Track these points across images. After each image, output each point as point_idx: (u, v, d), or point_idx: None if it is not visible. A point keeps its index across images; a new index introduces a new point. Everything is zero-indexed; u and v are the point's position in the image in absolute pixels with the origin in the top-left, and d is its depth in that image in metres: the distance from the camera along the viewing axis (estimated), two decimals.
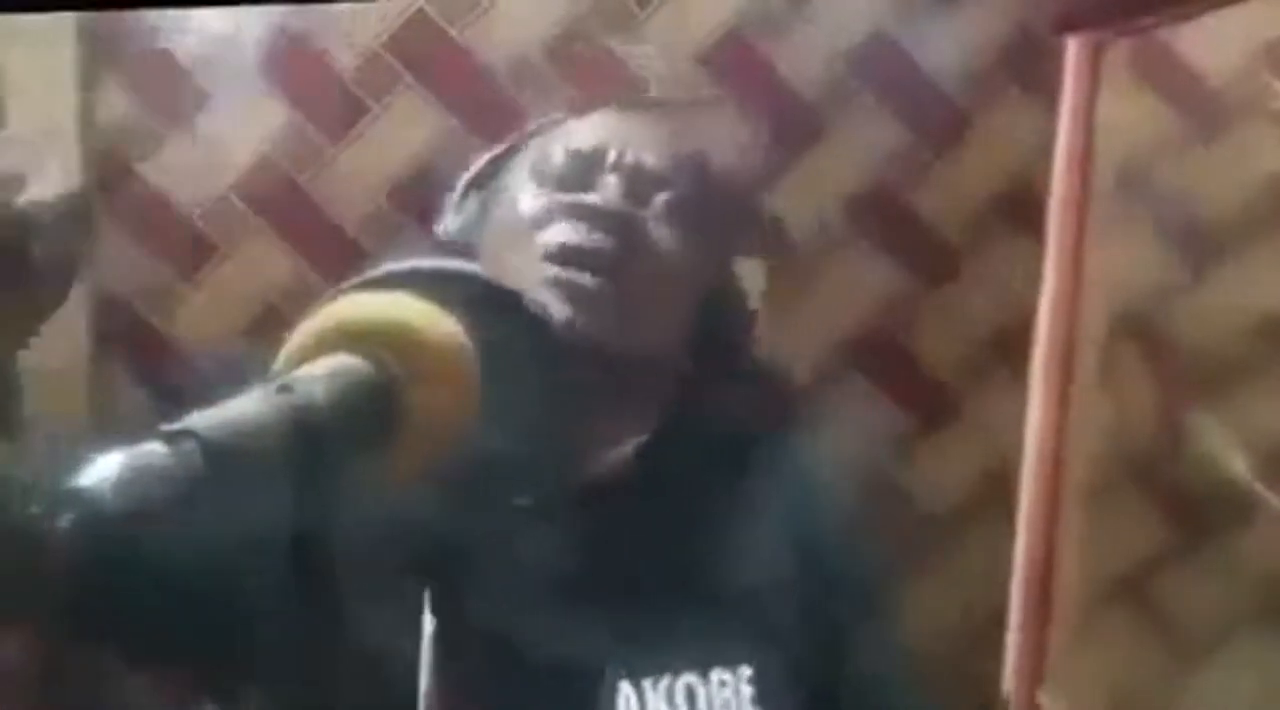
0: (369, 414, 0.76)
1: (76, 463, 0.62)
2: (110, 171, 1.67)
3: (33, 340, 0.93)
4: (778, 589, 1.16)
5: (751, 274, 1.24)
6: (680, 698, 1.09)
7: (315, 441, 0.71)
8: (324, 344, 0.78)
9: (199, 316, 1.70)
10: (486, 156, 1.26)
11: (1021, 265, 1.60)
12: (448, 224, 1.24)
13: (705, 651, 1.11)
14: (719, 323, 1.21)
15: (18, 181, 0.93)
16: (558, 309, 1.09)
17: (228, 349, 1.66)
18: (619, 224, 1.13)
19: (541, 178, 1.18)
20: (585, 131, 1.20)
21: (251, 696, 1.07)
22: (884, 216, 1.74)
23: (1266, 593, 1.72)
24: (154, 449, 0.63)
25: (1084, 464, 1.51)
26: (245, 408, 0.69)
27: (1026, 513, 1.49)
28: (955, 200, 1.74)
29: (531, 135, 1.25)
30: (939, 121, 1.72)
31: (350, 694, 0.98)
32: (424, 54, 1.69)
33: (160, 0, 1.67)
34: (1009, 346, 1.66)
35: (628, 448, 1.17)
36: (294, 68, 1.68)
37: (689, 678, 1.10)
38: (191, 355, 1.68)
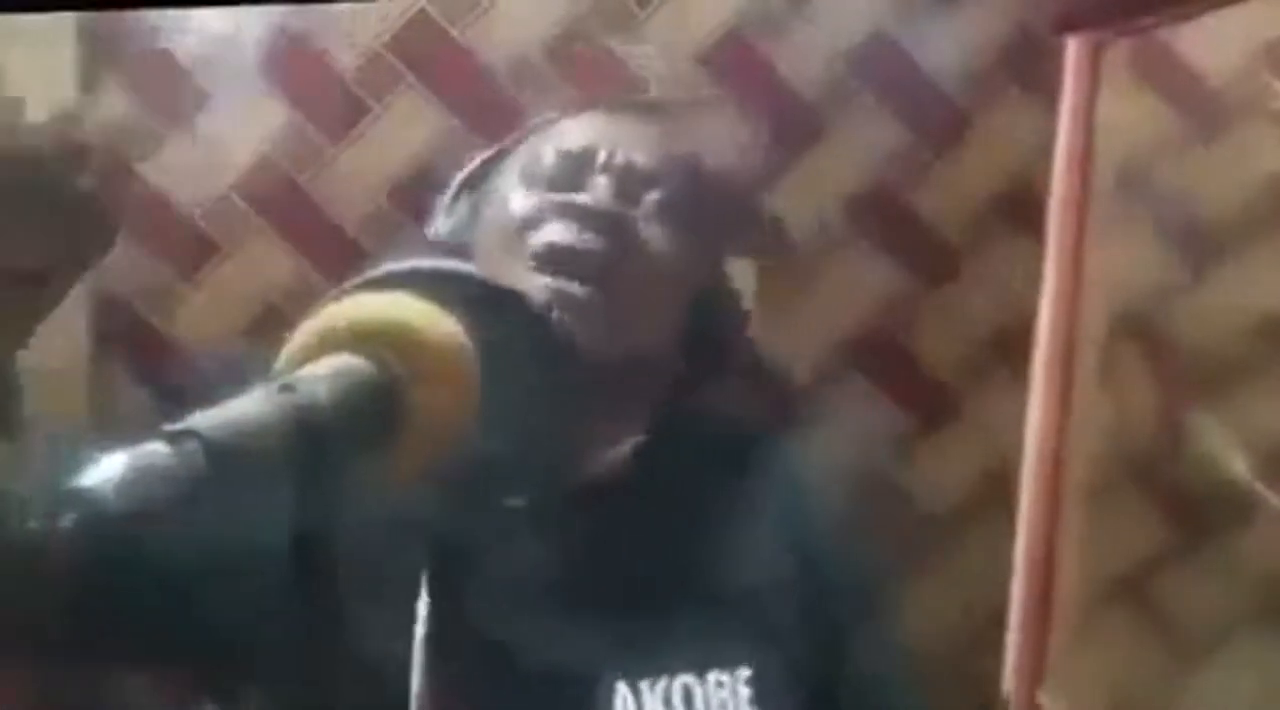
0: (371, 414, 0.76)
1: (78, 463, 0.62)
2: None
3: (32, 340, 0.93)
4: (776, 589, 1.16)
5: (743, 274, 1.24)
6: (677, 699, 1.09)
7: (317, 441, 0.71)
8: (326, 344, 0.78)
9: (199, 316, 1.70)
10: (478, 158, 1.26)
11: (1021, 265, 1.60)
12: (439, 226, 1.24)
13: (702, 653, 1.11)
14: (712, 323, 1.21)
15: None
16: (552, 308, 1.09)
17: (228, 349, 1.66)
18: (609, 223, 1.13)
19: (532, 179, 1.18)
20: (576, 132, 1.20)
21: (251, 696, 1.07)
22: (884, 216, 1.74)
23: (1266, 592, 1.72)
24: (156, 449, 0.63)
25: (1084, 464, 1.51)
26: (247, 408, 0.69)
27: (1027, 512, 1.49)
28: (955, 200, 1.74)
29: (523, 137, 1.25)
30: (939, 121, 1.72)
31: (349, 694, 0.98)
32: (425, 54, 1.69)
33: (160, 0, 1.67)
34: (1009, 346, 1.66)
35: (625, 448, 1.17)
36: (294, 67, 1.68)
37: (686, 679, 1.10)
38: (192, 355, 1.68)
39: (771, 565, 1.17)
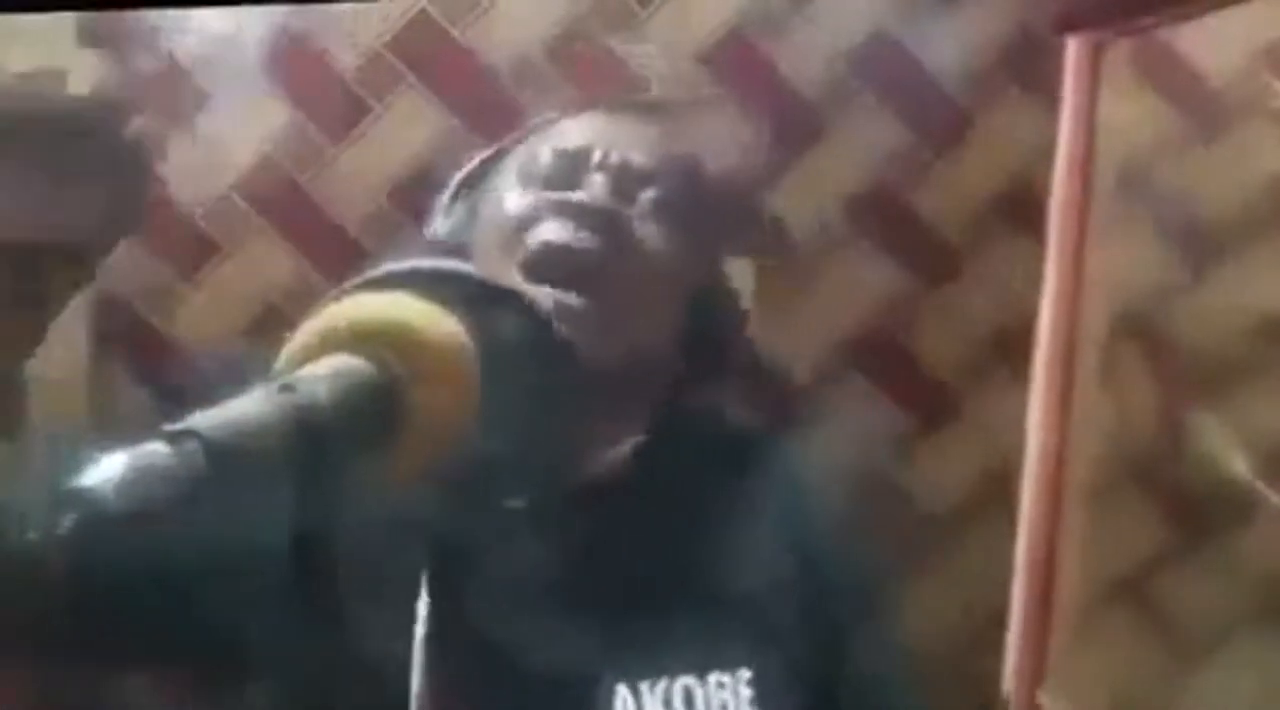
0: (371, 414, 0.76)
1: (78, 463, 0.62)
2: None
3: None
4: (776, 590, 1.16)
5: (742, 274, 1.24)
6: (678, 700, 1.09)
7: (318, 441, 0.71)
8: (326, 344, 0.78)
9: (200, 316, 1.70)
10: (476, 159, 1.26)
11: (1022, 265, 1.60)
12: (438, 226, 1.24)
13: (703, 654, 1.10)
14: (710, 322, 1.20)
15: None
16: (550, 307, 1.09)
17: (228, 349, 1.66)
18: (604, 221, 1.13)
19: (529, 178, 1.17)
20: (573, 131, 1.20)
21: (251, 696, 1.07)
22: (884, 216, 1.74)
23: (1267, 592, 1.72)
24: (156, 449, 0.63)
25: (1084, 464, 1.51)
26: (247, 408, 0.69)
27: (1027, 512, 1.49)
28: (956, 200, 1.74)
29: (521, 137, 1.25)
30: (940, 121, 1.72)
31: (349, 693, 0.98)
32: (426, 54, 1.69)
33: (160, 0, 1.68)
34: (1010, 346, 1.66)
35: (625, 448, 1.16)
36: (295, 67, 1.68)
37: (686, 680, 1.10)
38: (192, 355, 1.68)
39: (772, 565, 1.17)
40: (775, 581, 1.16)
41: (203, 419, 0.66)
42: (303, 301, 0.86)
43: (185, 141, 1.68)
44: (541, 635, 1.06)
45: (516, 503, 1.04)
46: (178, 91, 1.68)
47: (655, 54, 1.70)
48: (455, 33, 1.69)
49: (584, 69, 1.69)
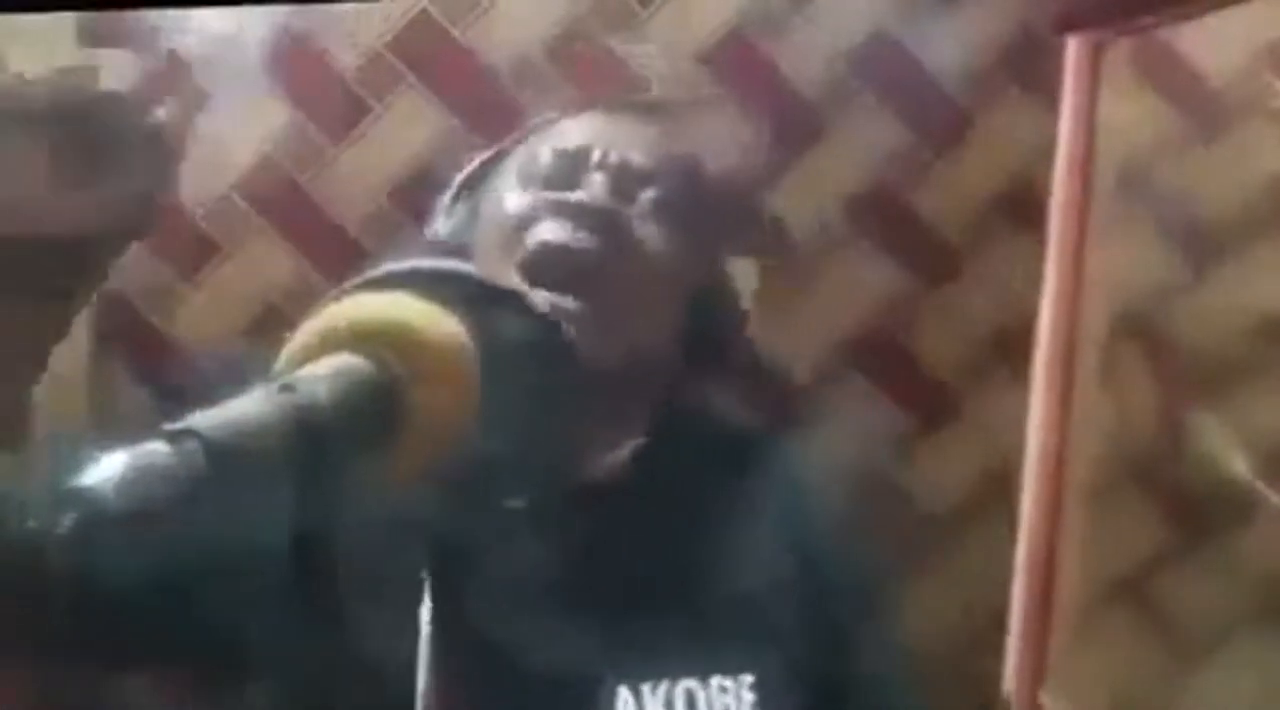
0: (371, 414, 0.76)
1: (78, 463, 0.62)
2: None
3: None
4: (777, 591, 1.16)
5: (744, 274, 1.24)
6: (680, 703, 1.09)
7: (318, 441, 0.70)
8: (326, 344, 0.78)
9: (200, 316, 1.70)
10: (477, 159, 1.25)
11: (1022, 265, 1.60)
12: (439, 226, 1.24)
13: (705, 656, 1.10)
14: (710, 322, 1.20)
15: None
16: (549, 307, 1.09)
17: (228, 349, 1.66)
18: (603, 221, 1.13)
19: (528, 178, 1.17)
20: (572, 131, 1.20)
21: (252, 696, 1.07)
22: (885, 216, 1.74)
23: (1267, 592, 1.72)
24: (156, 448, 0.63)
25: (1085, 464, 1.51)
26: (247, 407, 0.69)
27: (1027, 512, 1.49)
28: (956, 200, 1.74)
29: (522, 138, 1.25)
30: (940, 121, 1.72)
31: (349, 693, 0.98)
32: (426, 54, 1.69)
33: (160, 0, 1.68)
34: (1010, 346, 1.66)
35: (625, 450, 1.16)
36: (296, 67, 1.69)
37: (688, 683, 1.09)
38: (192, 355, 1.68)
39: (773, 567, 1.17)
40: (777, 583, 1.16)
41: (203, 419, 0.66)
42: (303, 301, 0.86)
43: (185, 141, 1.68)
44: (543, 637, 1.06)
45: (517, 503, 1.04)
46: (178, 91, 1.68)
47: (655, 54, 1.70)
48: (455, 33, 1.69)
49: (584, 69, 1.70)
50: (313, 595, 0.87)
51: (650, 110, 1.28)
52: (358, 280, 0.86)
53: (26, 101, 0.87)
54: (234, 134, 1.69)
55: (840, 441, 1.69)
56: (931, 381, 1.76)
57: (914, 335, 1.75)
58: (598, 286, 1.10)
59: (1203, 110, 1.73)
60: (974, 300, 1.74)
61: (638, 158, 1.17)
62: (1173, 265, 1.74)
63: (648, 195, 1.16)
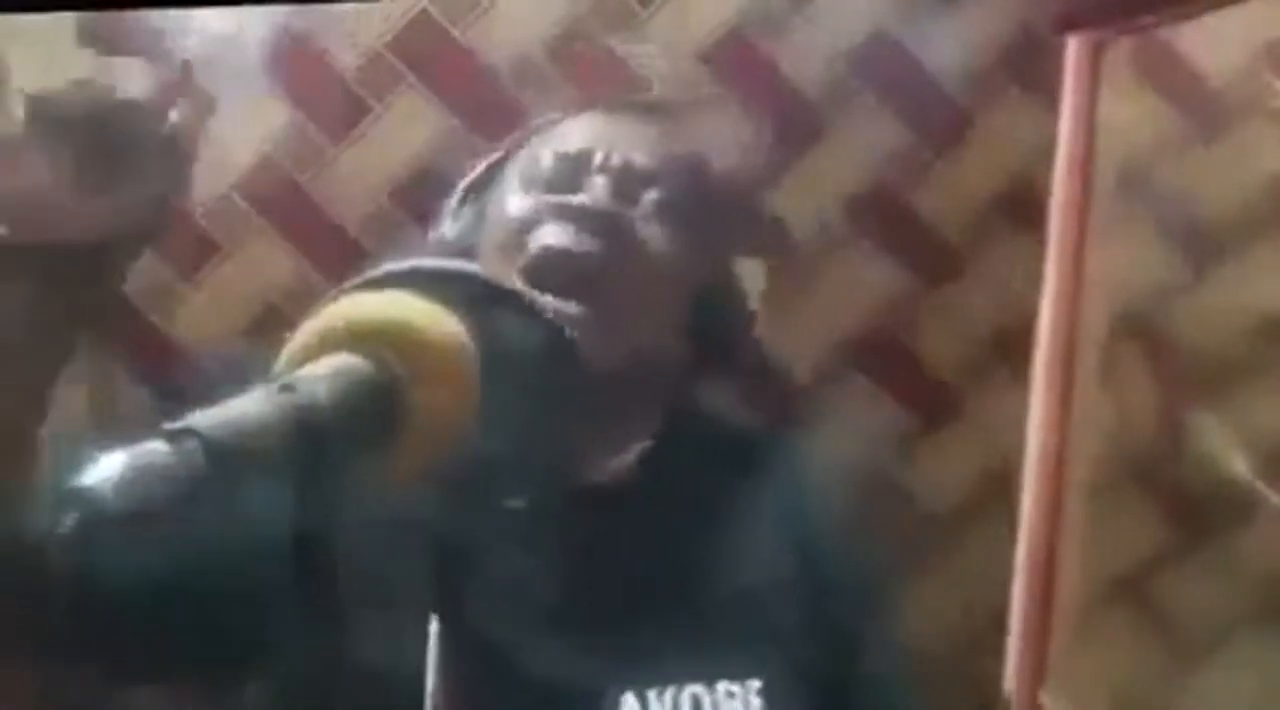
0: (371, 414, 0.76)
1: (78, 462, 0.62)
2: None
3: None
4: (784, 594, 1.15)
5: (751, 274, 1.24)
6: (686, 708, 1.09)
7: (318, 441, 0.70)
8: (326, 343, 0.78)
9: (200, 316, 1.70)
10: (483, 163, 1.25)
11: (1022, 265, 1.60)
12: (446, 230, 1.24)
13: (711, 662, 1.10)
14: (716, 323, 1.20)
15: None
16: (551, 310, 1.09)
17: (228, 349, 1.66)
18: (605, 224, 1.12)
19: (531, 181, 1.17)
20: (574, 134, 1.20)
21: (251, 696, 1.07)
22: (885, 216, 1.74)
23: (1267, 592, 1.72)
24: (156, 448, 0.63)
25: (1085, 463, 1.51)
26: (247, 407, 0.69)
27: (1027, 512, 1.49)
28: (956, 200, 1.74)
29: (525, 140, 1.25)
30: (940, 121, 1.72)
31: (349, 693, 0.98)
32: (426, 54, 1.69)
33: (161, 0, 1.68)
34: (1010, 346, 1.66)
35: (631, 454, 1.16)
36: (296, 67, 1.68)
37: (694, 688, 1.09)
38: (192, 355, 1.68)
39: (779, 569, 1.17)
40: (783, 585, 1.16)
41: (202, 418, 0.66)
42: (303, 301, 0.86)
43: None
44: (549, 642, 1.06)
45: (523, 506, 1.04)
46: (188, 95, 1.68)
47: (656, 54, 1.70)
48: (456, 33, 1.69)
49: (584, 69, 1.69)
50: (313, 595, 0.87)
51: (652, 110, 1.28)
52: (357, 280, 0.86)
53: (44, 112, 0.88)
54: (234, 134, 1.68)
55: (841, 441, 1.69)
56: (932, 381, 1.76)
57: (914, 335, 1.75)
58: (600, 289, 1.10)
59: (1203, 110, 1.73)
60: (974, 300, 1.74)
61: (640, 159, 1.17)
62: (1173, 265, 1.74)
63: (650, 197, 1.16)
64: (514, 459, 0.90)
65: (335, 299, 0.82)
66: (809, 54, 1.71)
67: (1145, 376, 1.72)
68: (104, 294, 0.94)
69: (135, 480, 0.61)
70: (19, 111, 0.89)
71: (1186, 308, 1.73)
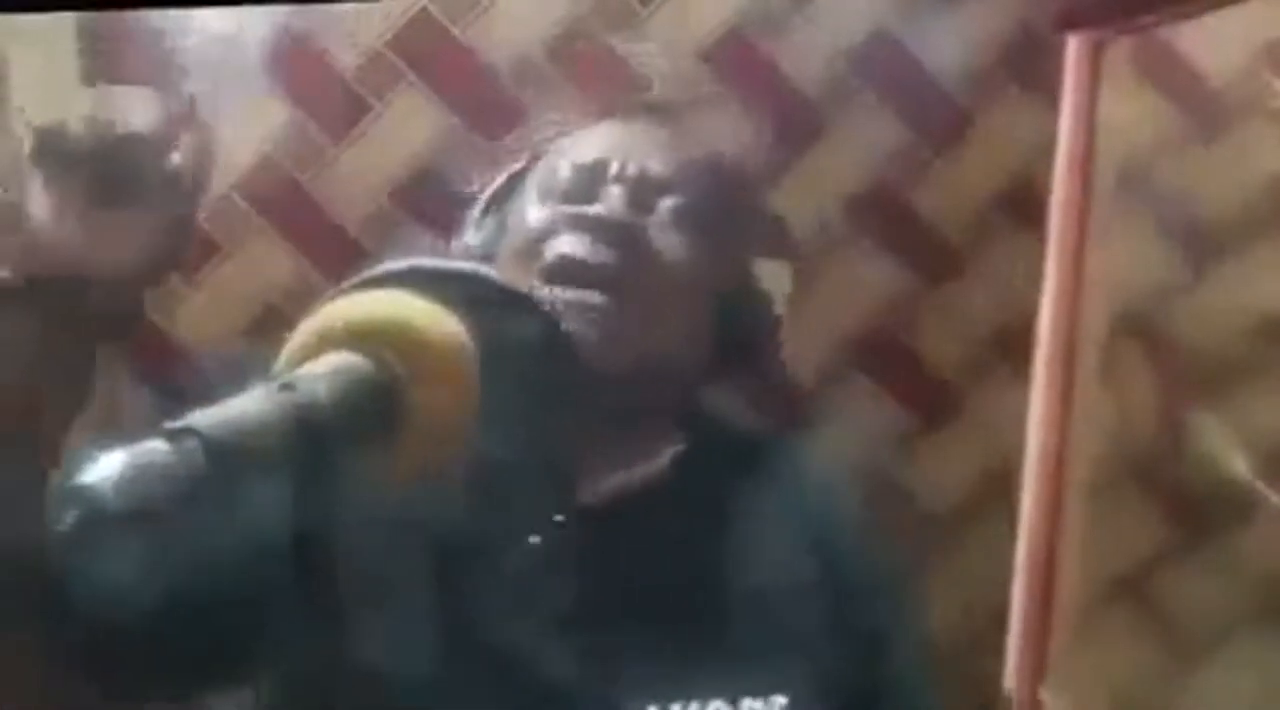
0: (371, 412, 0.76)
1: (78, 461, 0.62)
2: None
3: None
4: (810, 604, 1.14)
5: (774, 276, 1.24)
6: None
7: (318, 440, 0.71)
8: (325, 343, 0.78)
9: (200, 316, 1.70)
10: (505, 173, 1.25)
11: (1023, 264, 1.60)
12: (469, 239, 1.24)
13: (736, 676, 1.09)
14: (740, 327, 1.20)
15: None
16: (568, 320, 1.09)
17: (229, 349, 1.66)
18: (621, 235, 1.12)
19: (548, 192, 1.17)
20: (589, 143, 1.20)
21: (251, 695, 1.07)
22: (885, 215, 1.74)
23: (1267, 591, 1.72)
24: (156, 447, 0.63)
25: (1085, 462, 1.51)
26: (247, 406, 0.69)
27: (1028, 511, 1.49)
28: (956, 199, 1.74)
29: (544, 149, 1.24)
30: (940, 120, 1.72)
31: (349, 694, 0.98)
32: (426, 53, 1.69)
33: (160, 0, 1.68)
34: (1010, 345, 1.66)
35: (664, 459, 1.16)
36: (296, 67, 1.68)
37: (717, 704, 1.08)
38: (193, 355, 1.68)
39: (807, 578, 1.16)
40: (810, 595, 1.15)
41: (202, 417, 0.67)
42: (303, 301, 0.86)
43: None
44: (571, 654, 1.05)
45: (548, 515, 1.04)
46: (178, 91, 1.68)
47: (656, 53, 1.70)
48: (456, 32, 1.69)
49: (585, 68, 1.69)
50: (313, 594, 0.87)
51: (666, 115, 1.28)
52: (356, 279, 0.86)
53: (50, 146, 0.88)
54: (234, 133, 1.68)
55: (842, 441, 1.69)
56: (932, 380, 1.76)
57: (914, 334, 1.75)
58: (617, 298, 1.10)
59: (1203, 109, 1.73)
60: (974, 299, 1.74)
61: (656, 167, 1.17)
62: (1173, 264, 1.74)
63: (667, 204, 1.16)
64: (530, 465, 0.90)
65: (334, 298, 0.82)
66: (809, 53, 1.71)
67: (1145, 376, 1.72)
68: (118, 332, 0.94)
69: (135, 479, 0.62)
70: (25, 145, 0.89)
71: (1187, 307, 1.73)
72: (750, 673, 1.09)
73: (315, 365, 0.76)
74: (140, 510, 0.61)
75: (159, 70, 1.68)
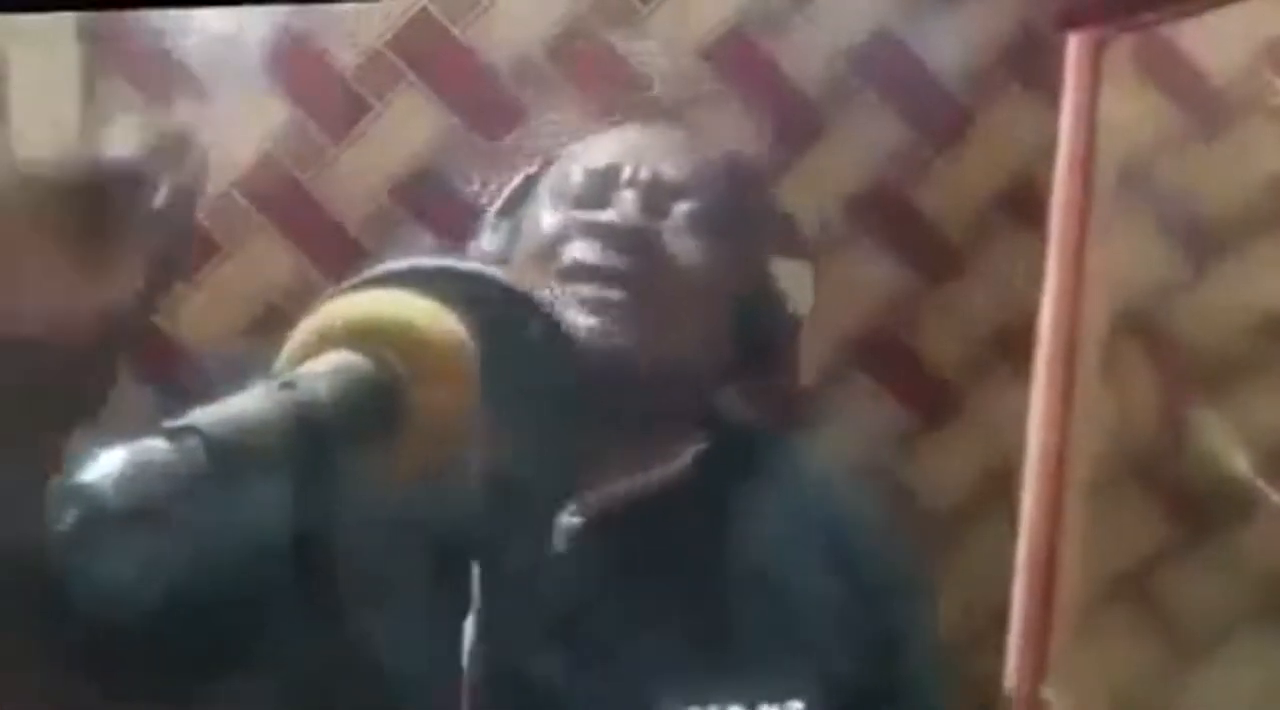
0: (371, 411, 0.76)
1: (78, 460, 0.62)
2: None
3: None
4: (828, 607, 1.14)
5: (793, 275, 1.23)
6: None
7: (318, 438, 0.71)
8: (326, 342, 0.78)
9: (201, 315, 1.70)
10: (521, 175, 1.25)
11: (1024, 262, 1.59)
12: (484, 243, 1.23)
13: (753, 680, 1.08)
14: (759, 329, 1.20)
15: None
16: (583, 324, 1.09)
17: (229, 348, 1.66)
18: (634, 241, 1.12)
19: (561, 197, 1.17)
20: (601, 148, 1.20)
21: (251, 695, 1.07)
22: (886, 214, 1.74)
23: (1268, 589, 1.72)
24: (156, 445, 0.63)
25: (1086, 461, 1.51)
26: (248, 404, 0.69)
27: (1028, 509, 1.49)
28: (957, 198, 1.74)
29: (557, 152, 1.24)
30: (941, 119, 1.72)
31: (350, 694, 0.98)
32: (426, 52, 1.69)
33: (160, 0, 1.68)
34: (1011, 344, 1.66)
35: (681, 462, 1.15)
36: (296, 66, 1.68)
37: (735, 709, 1.08)
38: (193, 354, 1.68)
39: (824, 582, 1.15)
40: (827, 598, 1.14)
41: (203, 415, 0.67)
42: (303, 301, 0.86)
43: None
44: (587, 660, 1.05)
45: (567, 517, 1.04)
46: (179, 91, 1.68)
47: (656, 52, 1.70)
48: (456, 31, 1.69)
49: (585, 67, 1.69)
50: (313, 594, 0.87)
51: (677, 118, 1.28)
52: (357, 278, 0.86)
53: (36, 181, 0.86)
54: (234, 132, 1.69)
55: (844, 440, 1.69)
56: (933, 379, 1.76)
57: (915, 333, 1.75)
58: (633, 304, 1.10)
59: (1204, 108, 1.73)
60: (975, 298, 1.74)
61: (669, 171, 1.17)
62: (1174, 263, 1.74)
63: (681, 208, 1.16)
64: (532, 465, 0.90)
65: (334, 297, 0.82)
66: (810, 52, 1.71)
67: (1146, 374, 1.72)
68: (132, 339, 0.93)
69: (136, 477, 0.61)
70: (12, 182, 0.87)
71: (1188, 305, 1.73)
72: (768, 676, 1.09)
73: (316, 364, 0.76)
74: (140, 509, 0.61)
75: (159, 70, 1.68)
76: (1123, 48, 1.51)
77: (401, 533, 0.98)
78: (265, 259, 1.69)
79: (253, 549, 0.78)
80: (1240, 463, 1.71)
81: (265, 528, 0.74)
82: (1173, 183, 1.73)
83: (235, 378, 0.73)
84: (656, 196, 1.15)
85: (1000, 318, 1.72)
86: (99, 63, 1.67)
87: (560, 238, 1.14)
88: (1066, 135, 1.49)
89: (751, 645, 1.10)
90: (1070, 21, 1.50)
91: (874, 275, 1.74)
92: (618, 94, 1.68)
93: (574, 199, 1.16)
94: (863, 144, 1.73)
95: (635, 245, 1.12)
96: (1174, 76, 1.72)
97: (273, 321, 1.65)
